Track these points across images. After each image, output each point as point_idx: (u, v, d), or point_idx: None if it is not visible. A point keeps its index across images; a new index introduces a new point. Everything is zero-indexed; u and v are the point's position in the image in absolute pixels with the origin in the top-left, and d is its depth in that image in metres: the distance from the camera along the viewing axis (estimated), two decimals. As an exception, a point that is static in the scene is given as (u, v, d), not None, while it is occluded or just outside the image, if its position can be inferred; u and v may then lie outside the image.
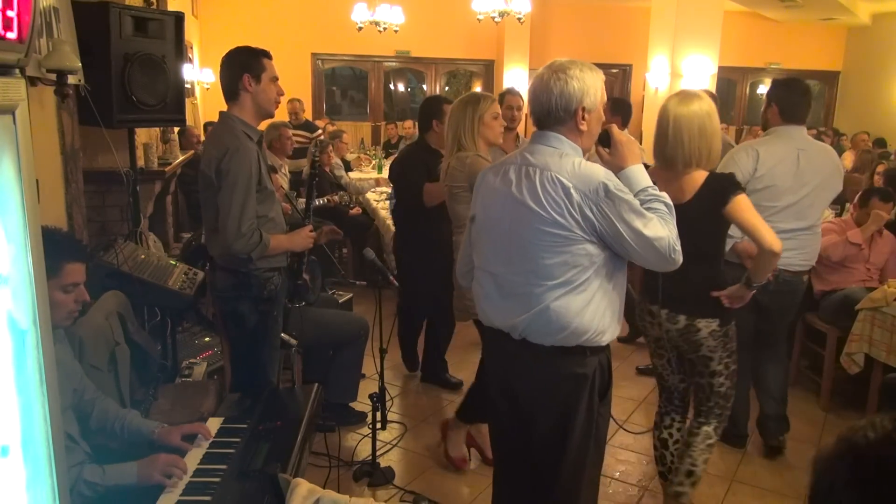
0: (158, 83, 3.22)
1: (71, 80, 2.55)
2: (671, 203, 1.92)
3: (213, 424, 2.18)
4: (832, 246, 3.80)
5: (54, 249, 1.48)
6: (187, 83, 5.41)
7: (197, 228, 4.56)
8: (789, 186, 3.00)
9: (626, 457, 3.34)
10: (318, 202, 5.48)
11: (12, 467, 1.00)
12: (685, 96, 2.41)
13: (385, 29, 8.19)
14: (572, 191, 1.79)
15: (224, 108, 2.67)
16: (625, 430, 3.39)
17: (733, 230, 2.50)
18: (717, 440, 2.63)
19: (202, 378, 3.30)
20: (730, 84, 11.68)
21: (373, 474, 3.04)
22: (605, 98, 1.95)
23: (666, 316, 2.46)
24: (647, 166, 2.51)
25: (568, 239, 1.81)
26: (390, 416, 3.51)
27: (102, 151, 3.60)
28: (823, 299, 3.88)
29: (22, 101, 1.03)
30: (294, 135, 6.37)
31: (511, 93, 3.79)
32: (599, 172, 1.81)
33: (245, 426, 2.14)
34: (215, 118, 4.11)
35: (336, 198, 6.00)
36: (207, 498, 1.79)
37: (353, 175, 7.55)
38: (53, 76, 2.40)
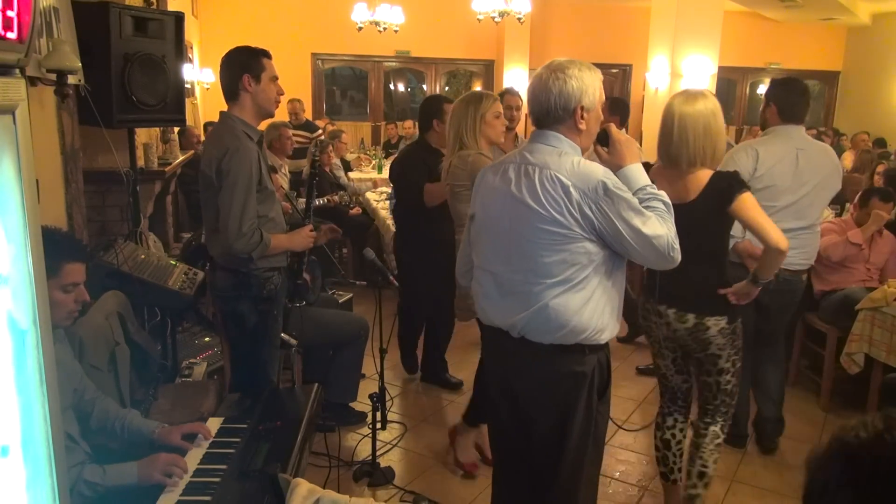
0: (158, 83, 3.22)
1: (71, 80, 2.55)
2: (669, 201, 1.93)
3: (213, 424, 2.18)
4: (832, 246, 3.80)
5: (54, 249, 1.48)
6: (187, 83, 5.41)
7: (197, 228, 4.56)
8: (788, 186, 3.01)
9: (625, 457, 3.34)
10: (318, 202, 5.49)
11: (12, 467, 1.00)
12: (690, 95, 2.41)
13: (385, 29, 8.19)
14: (571, 189, 1.79)
15: (224, 107, 2.67)
16: (620, 427, 3.40)
17: (733, 230, 2.50)
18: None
19: (202, 378, 3.30)
20: (730, 84, 11.68)
21: (373, 474, 3.04)
22: (604, 97, 1.96)
23: (674, 315, 2.45)
24: (649, 165, 2.52)
25: (567, 237, 1.81)
26: (390, 416, 3.51)
27: (102, 151, 3.60)
28: (823, 299, 3.88)
29: (22, 101, 1.03)
30: (294, 135, 6.37)
31: (510, 93, 3.79)
32: (598, 171, 1.82)
33: (245, 426, 2.14)
34: (215, 118, 4.11)
35: (336, 198, 6.00)
36: (207, 498, 1.79)
37: (353, 175, 7.55)
38: (53, 76, 2.39)
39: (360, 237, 6.01)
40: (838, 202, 5.30)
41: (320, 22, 10.21)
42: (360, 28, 8.17)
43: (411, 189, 3.68)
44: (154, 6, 4.62)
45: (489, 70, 11.36)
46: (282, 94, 2.71)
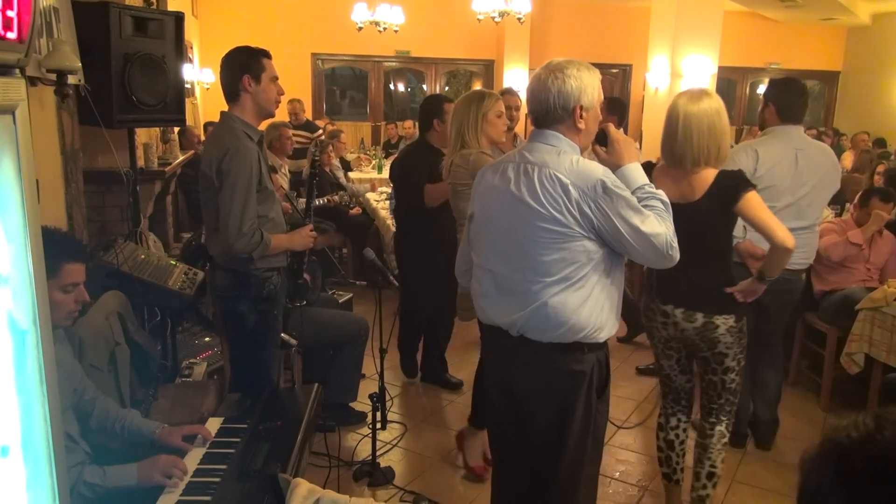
0: (158, 83, 3.22)
1: (71, 80, 2.55)
2: (668, 200, 1.93)
3: (213, 424, 2.18)
4: (833, 246, 3.80)
5: (54, 249, 1.48)
6: (187, 83, 5.41)
7: (197, 228, 4.56)
8: (788, 186, 3.01)
9: (625, 457, 3.34)
10: (318, 202, 5.48)
11: (12, 467, 1.00)
12: (694, 94, 2.40)
13: (385, 29, 8.19)
14: (570, 188, 1.80)
15: (224, 107, 2.67)
16: (619, 427, 3.40)
17: (735, 230, 2.50)
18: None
19: (202, 378, 3.30)
20: (730, 84, 11.68)
21: (373, 474, 3.04)
22: (602, 97, 1.96)
23: (682, 315, 2.45)
24: (652, 164, 2.52)
25: (566, 235, 1.82)
26: (390, 416, 3.51)
27: (102, 151, 3.60)
28: (823, 299, 3.88)
29: (22, 101, 1.03)
30: (295, 135, 6.37)
31: (509, 93, 3.79)
32: (597, 170, 1.83)
33: (245, 426, 2.14)
34: (215, 118, 4.11)
35: (336, 198, 6.00)
36: (207, 498, 1.79)
37: (353, 175, 7.55)
38: (53, 76, 2.40)
39: (360, 237, 6.01)
40: (838, 202, 5.29)
41: (320, 22, 10.21)
42: (360, 28, 8.17)
43: (412, 189, 3.68)
44: (154, 6, 4.62)
45: (489, 70, 11.36)
46: (282, 94, 2.71)
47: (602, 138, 1.99)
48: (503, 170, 1.96)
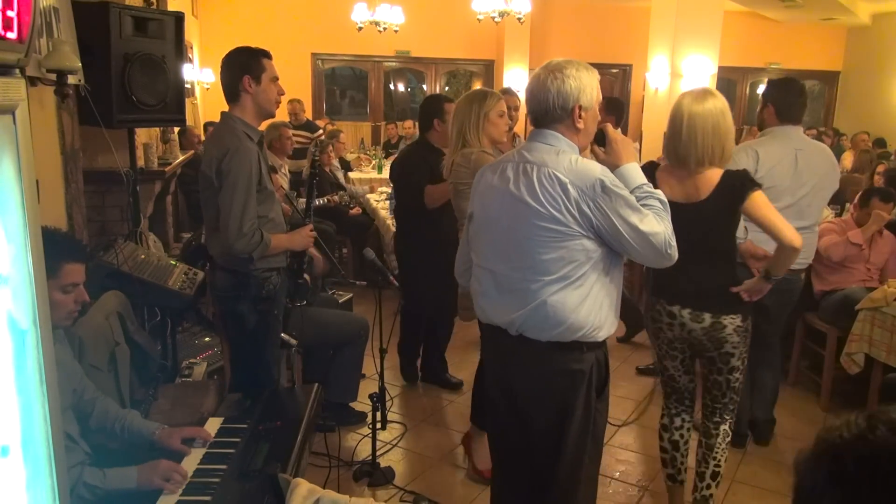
0: (158, 83, 3.22)
1: (71, 80, 2.55)
2: (666, 200, 1.95)
3: (213, 424, 2.18)
4: (833, 246, 3.80)
5: (54, 250, 1.48)
6: (187, 83, 5.41)
7: (197, 228, 4.56)
8: (788, 187, 3.01)
9: (625, 457, 3.34)
10: (318, 202, 5.48)
11: (12, 467, 1.00)
12: (699, 94, 2.40)
13: (385, 29, 8.19)
14: (569, 186, 1.81)
15: (225, 107, 2.67)
16: (614, 425, 3.39)
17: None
18: None
19: (202, 378, 3.30)
20: (730, 84, 11.68)
21: (373, 474, 3.04)
22: (601, 98, 1.97)
23: (690, 315, 2.45)
24: (655, 164, 2.52)
25: (565, 234, 1.83)
26: (390, 416, 3.50)
27: (102, 151, 3.60)
28: (823, 299, 3.88)
29: (22, 101, 1.03)
30: (295, 135, 6.37)
31: (508, 93, 3.79)
32: (596, 169, 1.84)
33: (245, 426, 2.14)
34: (215, 118, 4.10)
35: (336, 198, 6.00)
36: (207, 498, 1.79)
37: (353, 175, 7.55)
38: (53, 76, 2.39)
39: (360, 237, 6.01)
40: (838, 202, 5.30)
41: (320, 22, 10.21)
42: (360, 28, 8.17)
43: (412, 189, 3.67)
44: (154, 6, 4.62)
45: (489, 70, 11.36)
46: (282, 94, 2.71)
47: (600, 139, 2.00)
48: (502, 169, 1.96)
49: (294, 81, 8.91)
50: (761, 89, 11.82)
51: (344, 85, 12.17)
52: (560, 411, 1.96)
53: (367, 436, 3.23)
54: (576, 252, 1.84)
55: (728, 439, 2.61)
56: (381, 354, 3.17)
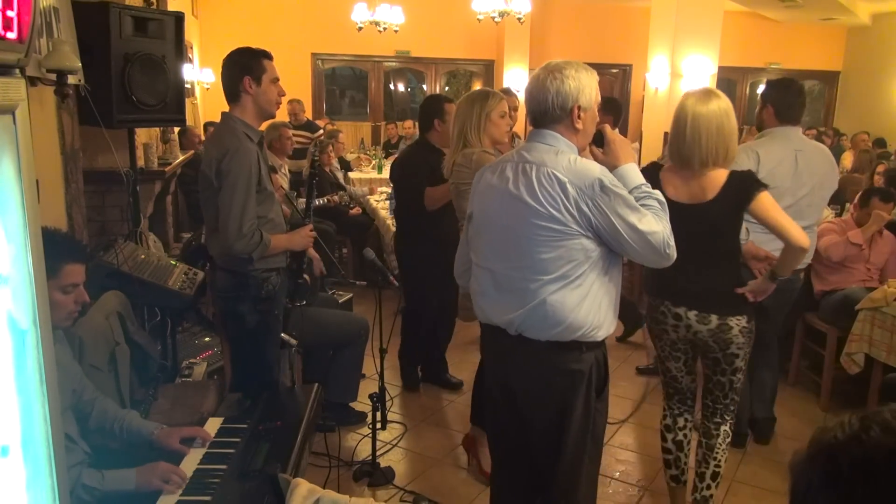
0: (158, 83, 3.22)
1: (71, 80, 2.55)
2: (664, 200, 1.95)
3: (213, 424, 2.18)
4: (833, 246, 3.80)
5: (54, 250, 1.48)
6: (187, 83, 5.41)
7: (197, 228, 4.56)
8: (788, 187, 3.01)
9: (625, 457, 3.34)
10: (318, 202, 5.48)
11: (12, 467, 1.00)
12: (703, 95, 2.40)
13: (385, 29, 8.19)
14: (568, 186, 1.81)
15: (225, 107, 2.67)
16: (610, 423, 3.39)
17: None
18: None
19: (202, 378, 3.30)
20: (730, 84, 11.67)
21: (373, 474, 3.04)
22: (600, 99, 1.98)
23: (696, 317, 2.44)
24: (659, 165, 2.52)
25: (564, 234, 1.83)
26: (390, 416, 3.50)
27: (102, 151, 3.60)
28: (823, 299, 3.88)
29: (22, 101, 1.03)
30: (296, 135, 6.37)
31: (508, 93, 3.78)
32: (595, 168, 1.84)
33: (245, 426, 2.14)
34: (215, 118, 4.10)
35: (336, 198, 5.99)
36: (207, 498, 1.79)
37: (352, 175, 7.55)
38: (53, 76, 2.39)
39: (360, 237, 6.01)
40: (838, 202, 5.30)
41: (320, 22, 10.21)
42: (360, 28, 8.17)
43: (412, 190, 3.66)
44: (154, 6, 4.62)
45: (489, 70, 11.36)
46: (283, 95, 2.71)
47: (599, 140, 2.01)
48: (501, 169, 1.97)
49: (294, 81, 8.91)
50: (761, 89, 11.84)
51: (344, 85, 12.16)
52: (560, 411, 1.96)
53: (367, 436, 3.23)
54: (575, 251, 1.85)
55: (728, 440, 2.61)
56: (381, 354, 3.17)
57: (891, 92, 10.55)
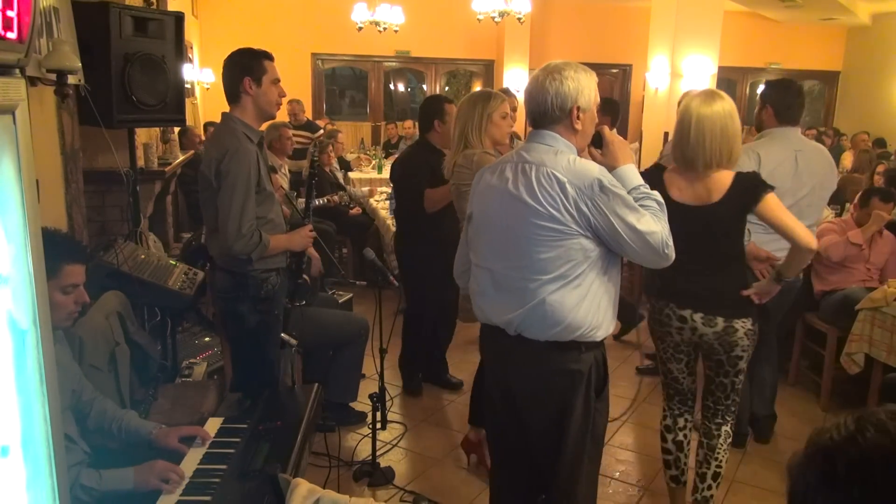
0: (158, 83, 3.22)
1: (71, 80, 2.55)
2: (662, 201, 1.96)
3: (213, 424, 2.18)
4: (833, 246, 3.80)
5: (54, 251, 1.48)
6: (187, 83, 5.41)
7: (197, 228, 4.56)
8: (789, 188, 3.01)
9: (625, 456, 3.34)
10: (318, 202, 5.48)
11: (12, 467, 1.00)
12: (707, 96, 2.40)
13: (385, 29, 8.19)
14: (567, 185, 1.82)
15: (225, 107, 2.67)
16: (620, 419, 3.39)
17: None
18: None
19: (202, 378, 3.30)
20: (730, 84, 11.67)
21: (373, 474, 3.04)
22: (599, 100, 1.99)
23: (702, 320, 2.44)
24: (663, 168, 2.52)
25: (563, 233, 1.84)
26: (390, 416, 3.50)
27: (102, 151, 3.60)
28: (823, 299, 3.88)
29: (22, 101, 1.03)
30: (296, 135, 6.36)
31: (506, 94, 3.78)
32: (594, 169, 1.85)
33: (245, 426, 2.14)
34: (215, 118, 4.10)
35: (336, 198, 5.99)
36: (207, 498, 1.79)
37: (352, 175, 7.55)
38: (53, 76, 2.39)
39: (360, 237, 6.01)
40: (838, 202, 5.30)
41: (320, 22, 10.21)
42: (360, 28, 8.17)
43: (412, 192, 3.64)
44: (154, 6, 4.62)
45: (489, 70, 11.36)
46: (283, 96, 2.71)
47: (597, 141, 2.02)
48: (501, 170, 1.97)
49: (294, 81, 8.91)
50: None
51: (344, 85, 12.16)
52: (559, 411, 1.96)
53: (367, 436, 3.23)
54: (574, 251, 1.85)
55: (730, 440, 2.61)
56: (381, 354, 3.17)
57: (891, 92, 10.55)
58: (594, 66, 2.02)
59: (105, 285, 2.76)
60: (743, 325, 2.43)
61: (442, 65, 11.35)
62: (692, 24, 7.70)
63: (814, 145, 3.27)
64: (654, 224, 1.85)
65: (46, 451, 1.06)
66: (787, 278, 2.45)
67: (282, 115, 6.64)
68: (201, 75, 9.16)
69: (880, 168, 5.51)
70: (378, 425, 3.06)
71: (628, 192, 1.89)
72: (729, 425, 2.60)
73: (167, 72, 3.26)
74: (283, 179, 5.09)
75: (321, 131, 7.91)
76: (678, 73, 7.88)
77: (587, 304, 1.89)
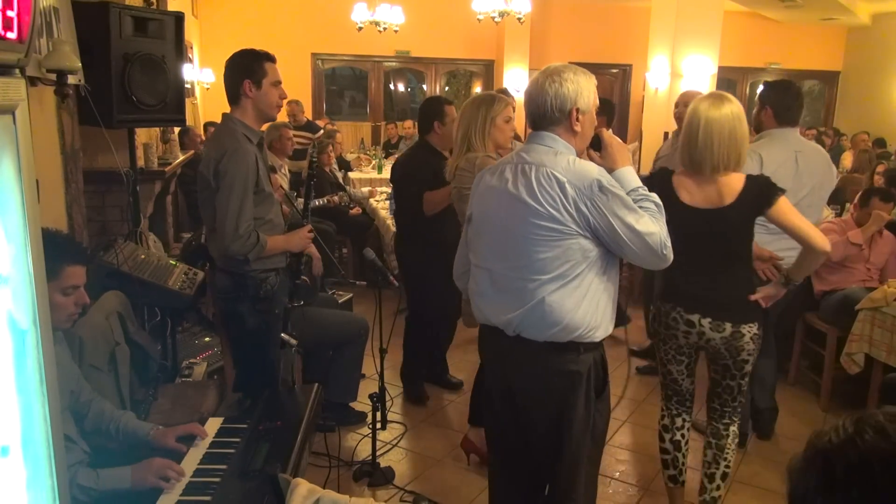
0: (158, 83, 3.22)
1: (71, 80, 2.55)
2: (661, 203, 1.96)
3: (213, 424, 2.18)
4: (833, 246, 3.78)
5: (54, 252, 1.48)
6: (187, 83, 5.41)
7: (197, 228, 4.56)
8: (790, 189, 2.99)
9: (625, 457, 3.34)
10: (318, 202, 5.48)
11: (12, 467, 1.00)
12: (716, 99, 2.39)
13: (385, 29, 8.19)
14: (567, 186, 1.83)
15: (225, 107, 2.67)
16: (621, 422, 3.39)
17: None
18: None
19: (202, 378, 3.30)
20: (730, 84, 11.67)
21: (373, 474, 3.04)
22: (598, 102, 1.99)
23: (710, 325, 2.43)
24: (670, 172, 2.51)
25: (562, 233, 1.84)
26: (390, 416, 3.50)
27: (102, 151, 3.60)
28: (823, 299, 3.88)
29: (22, 101, 1.03)
30: (296, 136, 6.36)
31: (505, 94, 3.77)
32: (593, 169, 1.86)
33: (245, 426, 2.14)
34: (215, 118, 4.10)
35: (336, 198, 5.99)
36: (207, 498, 1.79)
37: (352, 175, 7.55)
38: (53, 76, 2.39)
39: (360, 237, 6.01)
40: (838, 202, 5.30)
41: (320, 22, 10.21)
42: (360, 28, 8.17)
43: (412, 194, 3.61)
44: (154, 6, 4.62)
45: (489, 70, 11.36)
46: (284, 98, 2.71)
47: (596, 143, 2.02)
48: (501, 171, 1.98)
49: (294, 81, 8.90)
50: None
51: (344, 85, 12.16)
52: (559, 412, 1.97)
53: (367, 436, 3.24)
54: (573, 251, 1.85)
55: (737, 440, 2.63)
56: (381, 354, 3.17)
57: (891, 92, 10.55)
58: (594, 66, 2.03)
59: (105, 285, 2.76)
60: (749, 330, 2.43)
61: (442, 65, 11.36)
62: (692, 24, 7.70)
63: (812, 145, 3.28)
64: (652, 225, 1.86)
65: (46, 451, 1.06)
66: (796, 282, 2.45)
67: (281, 117, 6.64)
68: (201, 75, 9.16)
69: (880, 168, 5.52)
70: (378, 425, 3.06)
71: (627, 194, 1.89)
72: (736, 425, 2.61)
73: (167, 72, 3.26)
74: (282, 179, 5.09)
75: (321, 132, 7.91)
76: (678, 73, 7.87)
77: (586, 304, 1.89)
